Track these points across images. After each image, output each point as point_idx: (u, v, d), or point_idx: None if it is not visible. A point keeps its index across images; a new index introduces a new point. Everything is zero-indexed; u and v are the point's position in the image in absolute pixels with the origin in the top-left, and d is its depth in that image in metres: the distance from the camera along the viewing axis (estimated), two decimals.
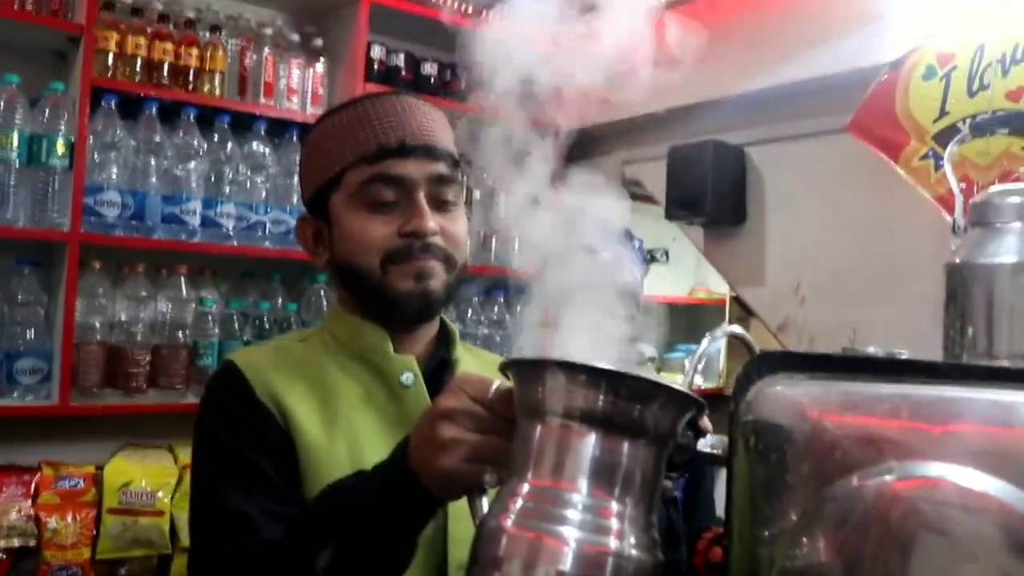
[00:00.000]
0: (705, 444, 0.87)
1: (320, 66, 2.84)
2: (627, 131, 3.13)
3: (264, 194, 2.73)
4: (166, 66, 2.60)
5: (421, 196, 1.20)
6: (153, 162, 2.55)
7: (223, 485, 1.12)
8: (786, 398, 0.72)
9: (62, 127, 2.40)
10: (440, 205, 1.23)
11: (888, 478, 0.63)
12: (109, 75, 2.51)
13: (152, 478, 2.46)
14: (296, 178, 2.65)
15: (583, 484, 0.77)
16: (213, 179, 2.66)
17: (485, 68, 1.10)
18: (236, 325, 2.71)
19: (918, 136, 2.28)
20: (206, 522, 1.13)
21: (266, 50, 2.77)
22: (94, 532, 2.39)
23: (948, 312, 0.85)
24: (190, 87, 2.64)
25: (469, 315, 3.03)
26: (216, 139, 2.69)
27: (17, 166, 2.34)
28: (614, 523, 0.77)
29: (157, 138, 2.57)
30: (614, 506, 0.77)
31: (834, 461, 0.67)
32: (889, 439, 0.65)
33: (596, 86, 1.08)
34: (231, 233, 2.66)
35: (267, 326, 2.75)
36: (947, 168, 0.98)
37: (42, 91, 2.44)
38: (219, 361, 2.41)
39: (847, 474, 0.65)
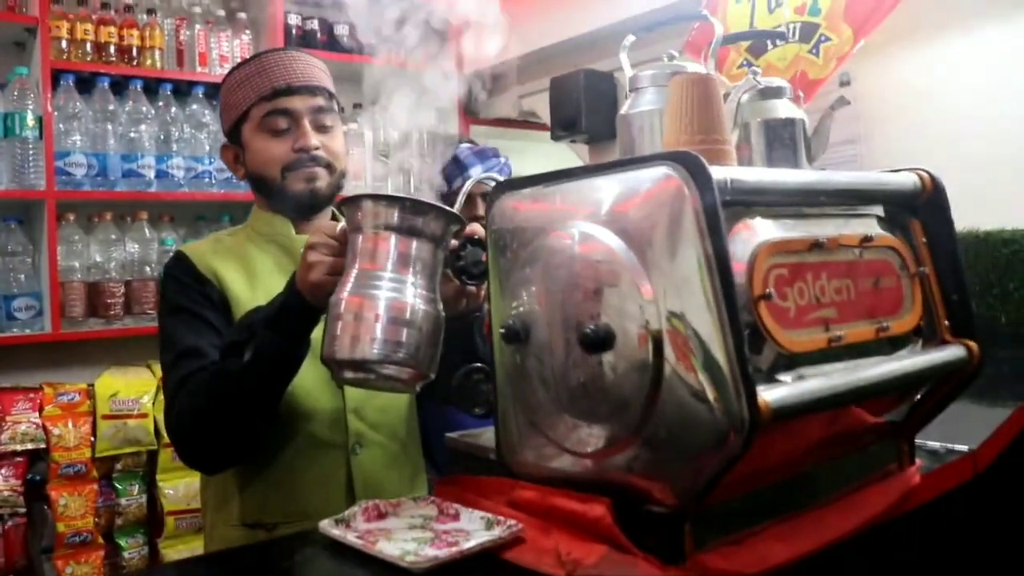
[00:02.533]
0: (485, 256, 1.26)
1: (246, 36, 3.19)
2: (521, 69, 3.49)
3: (207, 147, 3.08)
4: (112, 46, 2.95)
5: (306, 122, 1.54)
6: (110, 127, 2.90)
7: (180, 331, 1.46)
8: (508, 204, 1.11)
9: (30, 104, 2.75)
10: (321, 128, 1.56)
11: (553, 235, 1.03)
12: (65, 58, 2.85)
13: (135, 389, 2.84)
14: None
15: (388, 266, 1.16)
16: (163, 138, 3.01)
17: (391, 24, 1.51)
18: None
19: (736, 49, 2.70)
20: (170, 358, 1.46)
21: (198, 26, 3.11)
22: (92, 435, 2.76)
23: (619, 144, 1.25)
24: (135, 63, 2.99)
25: None
26: (162, 104, 3.04)
27: None
28: (408, 289, 1.15)
29: (111, 107, 2.92)
30: (408, 279, 1.16)
31: (528, 235, 1.06)
32: (555, 214, 1.05)
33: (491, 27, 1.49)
34: (183, 182, 3.02)
35: None
36: None
37: (9, 76, 2.79)
38: None
39: (535, 238, 1.05)
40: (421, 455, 1.70)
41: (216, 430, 1.39)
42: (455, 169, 2.41)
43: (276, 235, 1.60)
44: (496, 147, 2.52)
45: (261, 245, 1.60)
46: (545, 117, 3.48)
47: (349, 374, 1.16)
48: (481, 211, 2.32)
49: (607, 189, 0.98)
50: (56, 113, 2.83)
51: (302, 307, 1.29)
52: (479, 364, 1.25)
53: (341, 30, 3.38)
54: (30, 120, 2.75)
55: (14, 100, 2.75)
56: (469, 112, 3.70)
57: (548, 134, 3.44)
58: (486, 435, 1.29)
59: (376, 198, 1.18)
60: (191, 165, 3.06)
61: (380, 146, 3.41)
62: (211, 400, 1.37)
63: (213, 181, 3.09)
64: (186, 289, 1.51)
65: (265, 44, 3.24)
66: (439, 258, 1.21)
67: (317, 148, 1.54)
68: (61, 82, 2.86)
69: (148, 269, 3.01)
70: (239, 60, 3.12)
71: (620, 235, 0.94)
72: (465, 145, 2.46)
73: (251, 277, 1.55)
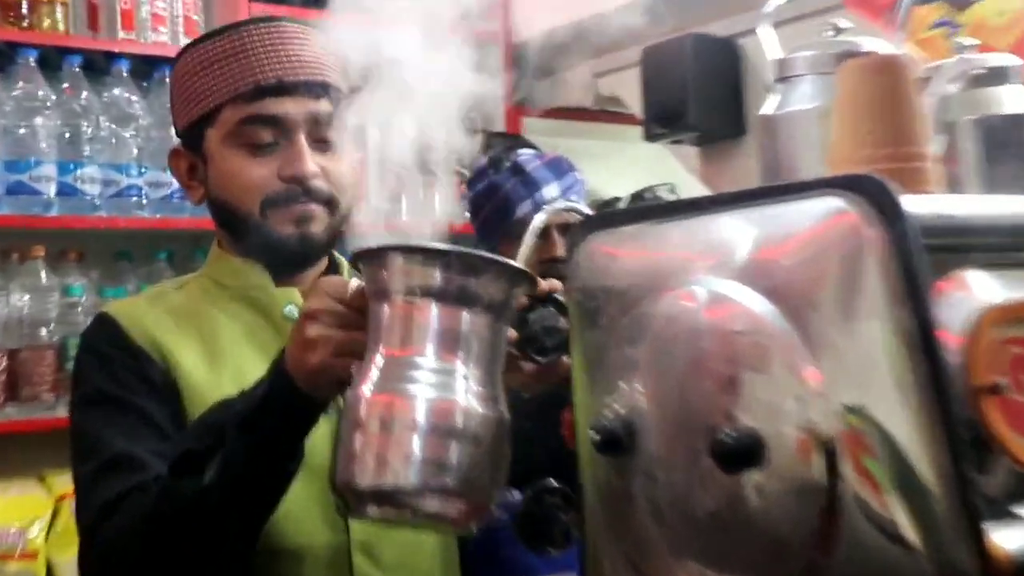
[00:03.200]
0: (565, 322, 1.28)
1: None
2: (595, 35, 3.52)
3: (135, 151, 3.17)
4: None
5: (301, 137, 1.56)
6: None
7: (106, 431, 1.47)
8: (598, 251, 1.14)
9: None
10: (321, 144, 1.58)
11: (668, 296, 1.06)
12: None
13: (18, 513, 2.86)
14: (174, 129, 3.12)
15: (428, 350, 1.15)
16: (68, 136, 3.09)
17: None
18: None
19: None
20: (90, 469, 1.46)
21: None
22: None
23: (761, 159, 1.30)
24: (24, 23, 3.07)
25: None
26: (66, 86, 3.13)
27: None
28: (458, 381, 1.14)
29: None
30: (458, 367, 1.15)
31: (631, 296, 1.09)
32: (669, 264, 1.08)
33: None
34: (97, 202, 3.10)
35: None
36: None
37: None
38: None
39: (641, 300, 1.09)
40: None
41: None
42: (519, 187, 2.42)
43: (248, 289, 1.64)
44: (564, 156, 2.55)
45: (225, 304, 1.64)
46: (633, 105, 3.48)
47: (373, 509, 1.17)
48: (560, 251, 2.33)
49: (747, 228, 1.01)
50: None
51: (294, 401, 1.30)
52: (554, 482, 1.27)
53: None
54: None
55: None
56: (520, 100, 3.75)
57: (638, 130, 3.49)
58: None
59: (410, 251, 1.18)
60: (111, 177, 3.15)
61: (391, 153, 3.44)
62: (154, 535, 1.37)
63: (143, 201, 3.16)
64: (114, 368, 1.53)
65: (218, 1, 3.32)
66: (502, 335, 1.23)
67: (316, 175, 1.57)
68: None
69: (43, 332, 3.08)
70: (181, 21, 3.23)
71: (768, 295, 0.96)
72: (528, 152, 2.49)
73: (211, 350, 1.58)
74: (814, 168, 1.16)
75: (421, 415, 1.14)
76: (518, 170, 2.45)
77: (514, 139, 2.68)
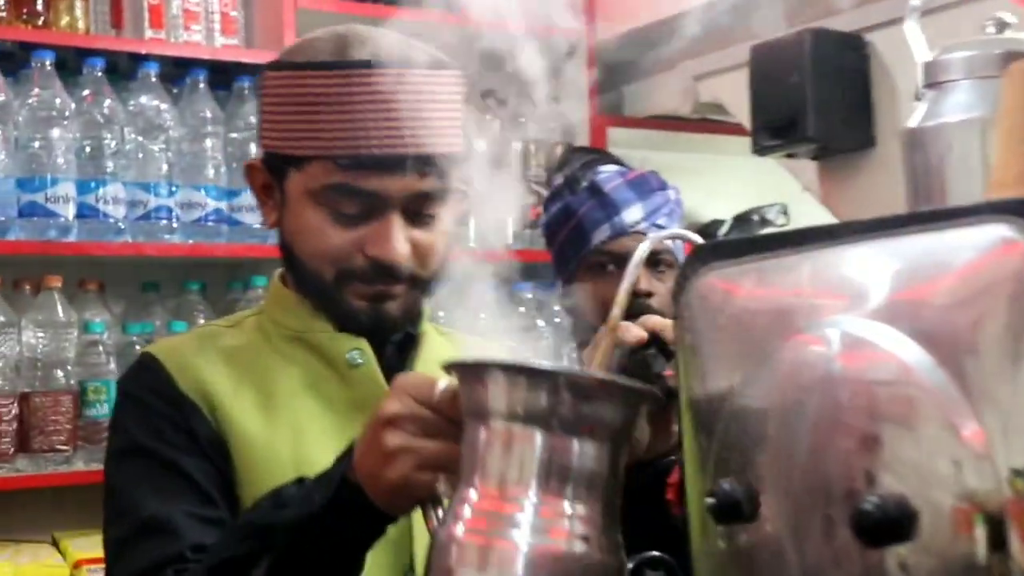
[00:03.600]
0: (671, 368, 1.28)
1: None
2: (694, 30, 3.51)
3: (164, 167, 3.20)
4: None
5: (395, 218, 1.56)
6: (0, 131, 3.01)
7: (139, 491, 1.50)
8: (711, 288, 1.14)
9: None
10: (418, 218, 1.59)
11: (796, 340, 1.06)
12: None
13: None
14: (210, 141, 3.17)
15: (533, 487, 1.12)
16: (89, 151, 3.12)
17: None
18: None
19: None
20: (122, 534, 1.50)
21: None
22: None
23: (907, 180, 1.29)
24: (39, 21, 3.10)
25: None
26: (87, 93, 3.15)
27: None
28: (566, 524, 1.12)
29: (1, 96, 3.04)
30: (566, 508, 1.12)
31: (749, 341, 1.09)
32: (798, 304, 1.07)
33: None
34: (122, 226, 3.13)
35: None
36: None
37: None
38: None
39: (766, 345, 1.08)
40: None
41: None
42: (596, 210, 2.42)
43: (309, 332, 1.65)
44: (655, 172, 2.54)
45: (282, 347, 1.66)
46: (738, 113, 3.47)
47: None
48: (644, 283, 2.32)
49: (892, 262, 1.00)
50: None
51: (362, 516, 1.29)
52: (656, 554, 1.27)
53: None
54: None
55: None
56: (605, 107, 3.74)
57: (744, 142, 3.47)
58: None
59: (513, 370, 1.15)
60: (137, 197, 3.17)
61: None
62: None
63: (175, 224, 3.19)
64: (154, 419, 1.55)
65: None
66: (620, 464, 1.20)
67: (405, 258, 1.58)
68: None
69: (60, 374, 3.11)
70: (218, 18, 3.24)
71: (918, 340, 0.95)
72: (610, 169, 2.48)
73: (267, 400, 1.60)
74: (973, 190, 1.14)
75: (521, 567, 1.11)
76: (596, 190, 2.44)
77: (596, 154, 2.67)
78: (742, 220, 3.81)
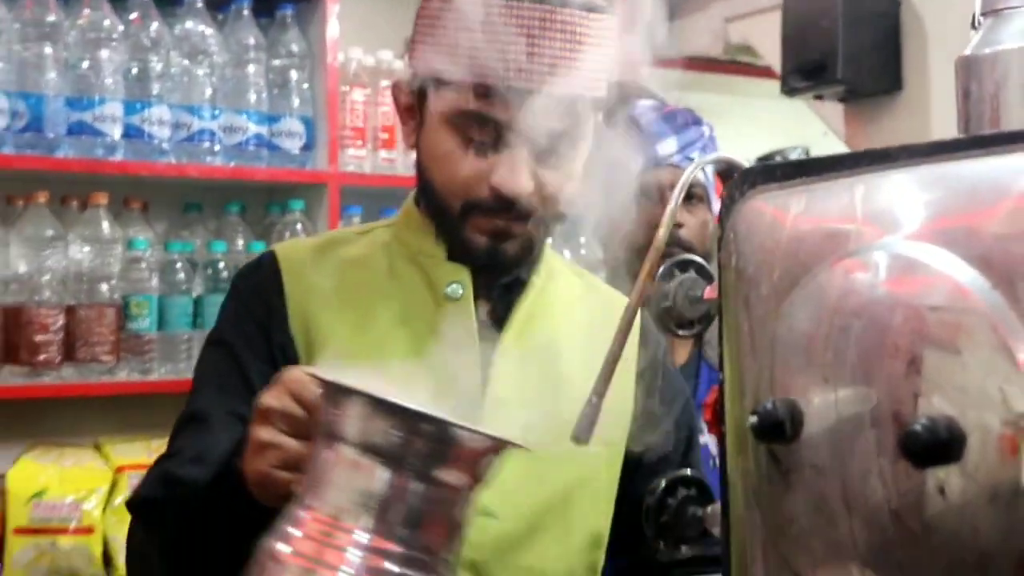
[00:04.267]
0: (710, 291, 1.25)
1: None
2: None
3: (209, 91, 3.16)
4: None
5: (523, 152, 1.50)
6: (50, 51, 2.98)
7: (204, 382, 1.55)
8: (760, 210, 1.10)
9: None
10: (547, 156, 1.53)
11: (847, 263, 1.01)
12: None
13: (73, 485, 2.88)
14: (252, 67, 3.13)
15: (365, 522, 1.05)
16: (135, 72, 3.08)
17: None
18: (181, 275, 3.14)
19: None
20: (179, 419, 1.55)
21: None
22: None
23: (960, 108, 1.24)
24: None
25: None
26: (134, 16, 3.11)
27: None
28: (394, 568, 1.04)
29: (52, 17, 2.99)
30: (396, 548, 1.05)
31: (798, 263, 1.04)
32: (848, 227, 1.03)
33: None
34: (165, 147, 3.10)
35: (224, 274, 3.18)
36: None
37: None
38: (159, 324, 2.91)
39: (814, 268, 1.04)
40: None
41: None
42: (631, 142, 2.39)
43: (421, 255, 1.64)
44: (690, 109, 2.50)
45: (396, 266, 1.65)
46: (768, 56, 3.44)
47: None
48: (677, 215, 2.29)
49: (945, 186, 0.96)
50: None
51: (237, 496, 1.29)
52: (688, 473, 1.24)
53: None
54: None
55: None
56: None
57: (772, 85, 3.44)
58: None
59: (372, 401, 1.06)
60: (181, 119, 3.14)
61: None
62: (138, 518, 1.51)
63: (216, 148, 3.15)
64: (244, 322, 1.60)
65: None
66: (463, 510, 1.13)
67: (527, 195, 1.52)
68: None
69: (104, 288, 3.09)
70: None
71: (973, 263, 0.91)
72: (647, 103, 2.44)
73: (363, 320, 1.60)
74: None
75: None
76: (633, 123, 2.40)
77: (635, 89, 2.63)
78: (764, 161, 3.78)
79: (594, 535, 1.61)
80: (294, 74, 3.25)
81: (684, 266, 1.26)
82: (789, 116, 3.49)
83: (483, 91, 1.48)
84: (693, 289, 1.25)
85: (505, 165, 1.50)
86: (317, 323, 1.56)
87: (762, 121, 3.46)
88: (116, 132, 3.06)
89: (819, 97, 3.16)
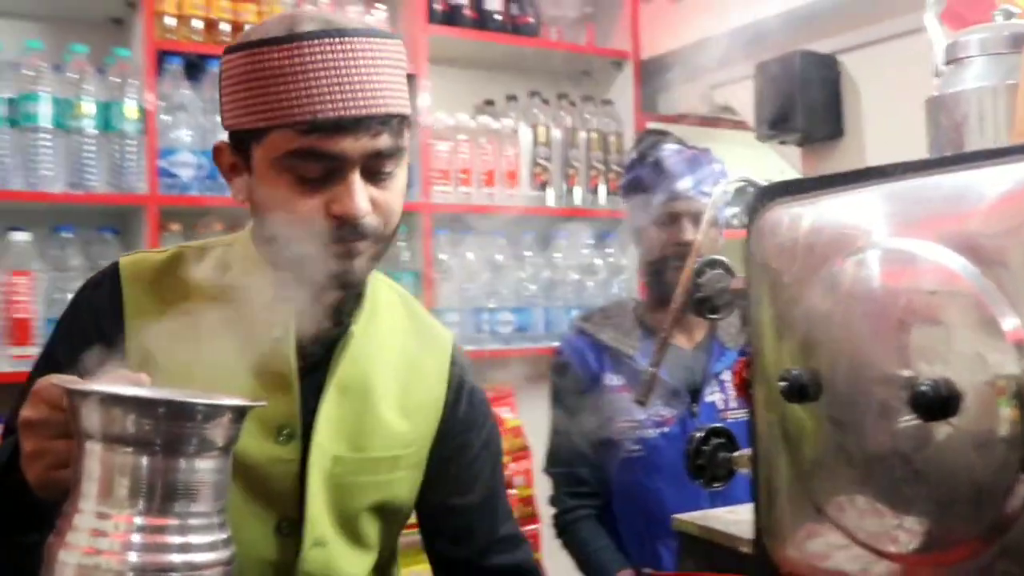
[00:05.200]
0: (734, 283, 1.17)
1: (380, 9, 3.20)
2: (712, 53, 3.40)
3: None
4: (225, 24, 2.98)
5: (355, 176, 1.21)
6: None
7: (26, 388, 1.16)
8: (780, 217, 1.01)
9: (132, 93, 2.78)
10: (376, 177, 1.24)
11: (851, 259, 0.92)
12: (170, 38, 2.90)
13: None
14: None
15: (131, 507, 0.88)
16: None
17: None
18: None
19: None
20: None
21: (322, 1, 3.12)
22: None
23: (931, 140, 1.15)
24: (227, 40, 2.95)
25: (557, 260, 3.33)
26: None
27: (92, 133, 2.74)
28: (162, 538, 0.88)
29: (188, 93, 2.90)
30: (170, 523, 0.89)
31: (816, 257, 0.96)
32: (854, 229, 0.94)
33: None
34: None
35: None
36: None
37: (107, 59, 2.84)
38: None
39: (829, 260, 0.95)
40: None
41: None
42: (655, 177, 2.31)
43: (251, 289, 1.29)
44: (708, 149, 2.41)
45: (226, 295, 1.29)
46: (743, 112, 3.37)
47: None
48: (688, 235, 2.22)
49: (938, 193, 0.88)
50: (161, 103, 2.86)
51: (20, 496, 1.06)
52: (719, 427, 1.17)
53: (493, 4, 3.35)
54: (131, 111, 2.78)
55: (113, 88, 2.79)
56: (646, 107, 3.62)
57: (744, 135, 3.37)
58: (725, 517, 1.20)
59: (107, 399, 0.90)
60: None
61: (539, 148, 3.35)
62: None
63: None
64: (78, 335, 1.28)
65: (402, 21, 3.24)
66: (225, 469, 0.95)
67: (367, 215, 1.23)
68: (166, 66, 2.88)
69: None
70: None
71: (962, 253, 0.83)
72: (671, 147, 2.35)
73: (193, 347, 1.26)
74: (989, 143, 1.02)
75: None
76: (657, 164, 2.33)
77: (662, 135, 2.56)
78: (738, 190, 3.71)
79: (391, 551, 1.46)
80: None
81: (713, 265, 1.18)
82: (759, 159, 3.45)
83: (304, 127, 1.18)
84: (721, 282, 1.18)
85: (340, 193, 1.21)
86: (148, 347, 1.23)
87: (740, 161, 3.36)
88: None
89: (783, 142, 3.12)
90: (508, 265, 3.26)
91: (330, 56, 1.18)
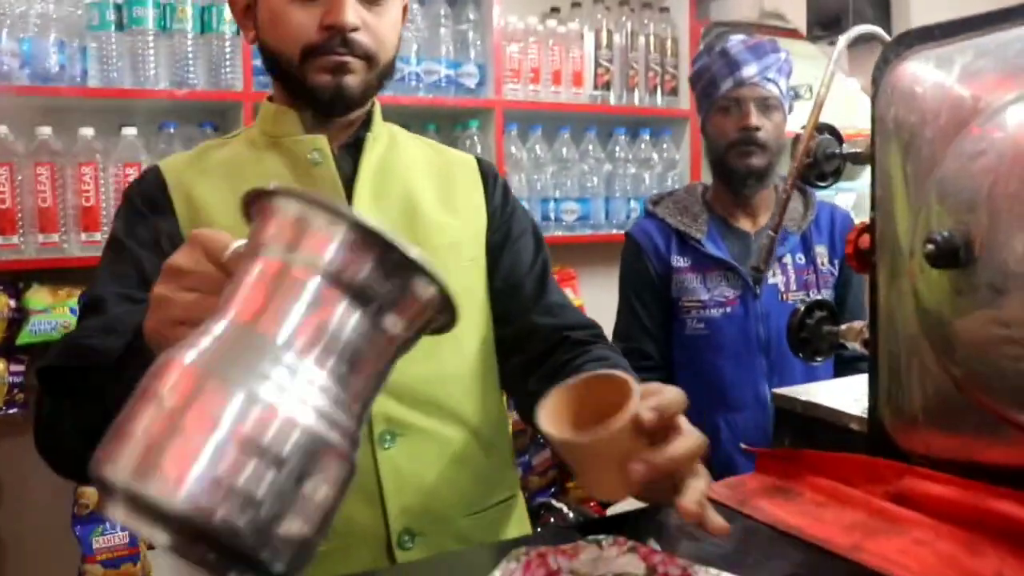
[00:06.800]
0: (849, 148, 0.96)
1: None
2: None
3: (415, 46, 2.88)
4: None
5: None
6: None
7: (101, 273, 1.15)
8: (920, 66, 0.80)
9: None
10: (368, 2, 1.16)
11: (1018, 107, 0.70)
12: None
13: None
14: (443, 30, 2.84)
15: (284, 333, 0.61)
16: None
17: None
18: None
19: None
20: (79, 305, 1.16)
21: None
22: None
23: None
24: None
25: (617, 154, 3.13)
26: None
27: (192, 35, 2.58)
28: (304, 388, 0.60)
29: None
30: (310, 369, 0.61)
31: (967, 108, 0.74)
32: (1011, 75, 0.72)
33: None
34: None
35: None
36: None
37: None
38: None
39: (979, 116, 0.73)
40: (509, 444, 1.34)
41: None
42: (723, 67, 2.08)
43: (281, 136, 1.23)
44: (774, 39, 2.16)
45: (261, 154, 1.24)
46: (793, 19, 3.08)
47: (121, 513, 0.57)
48: (752, 120, 2.01)
49: None
50: None
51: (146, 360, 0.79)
52: (821, 300, 0.97)
53: None
54: (228, 13, 2.59)
55: None
56: (700, 14, 3.33)
57: (795, 43, 3.09)
58: (824, 394, 1.01)
59: (310, 202, 0.64)
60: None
61: (601, 51, 3.11)
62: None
63: (419, 85, 2.91)
64: (132, 219, 1.19)
65: None
66: (393, 357, 0.67)
67: (355, 28, 1.14)
68: None
69: None
70: None
71: None
72: (737, 38, 2.11)
73: (238, 194, 1.15)
74: None
75: (233, 411, 0.57)
76: (724, 53, 2.09)
77: (729, 27, 2.31)
78: None
79: (483, 338, 1.27)
80: (471, 34, 2.97)
81: (820, 130, 0.97)
82: (817, 63, 3.17)
83: None
84: (830, 147, 0.96)
85: (331, 4, 1.12)
86: (199, 208, 1.17)
87: (795, 70, 3.10)
88: None
89: (832, 43, 2.81)
90: (572, 159, 3.08)
91: None
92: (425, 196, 1.26)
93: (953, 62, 0.75)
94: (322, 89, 1.16)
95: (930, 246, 0.71)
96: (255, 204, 0.69)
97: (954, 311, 0.72)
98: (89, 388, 0.93)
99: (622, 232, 2.36)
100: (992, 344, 0.69)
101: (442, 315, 0.67)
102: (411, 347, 0.67)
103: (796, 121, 2.82)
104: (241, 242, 0.71)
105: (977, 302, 0.70)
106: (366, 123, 1.27)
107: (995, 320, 0.69)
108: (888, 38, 0.85)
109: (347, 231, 0.62)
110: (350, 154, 1.24)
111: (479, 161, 1.36)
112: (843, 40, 0.97)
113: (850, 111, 3.98)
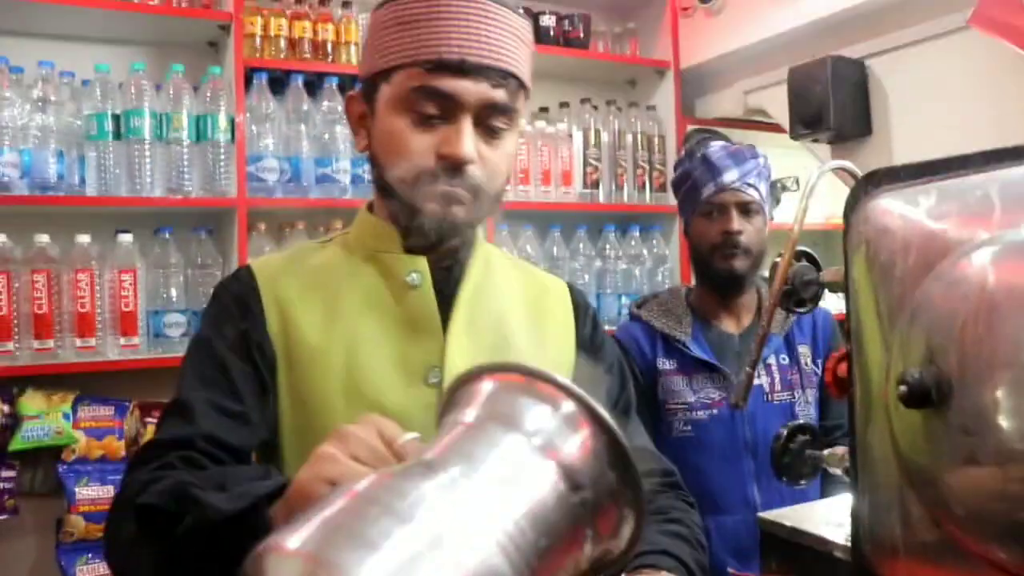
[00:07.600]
0: (825, 275, 0.96)
1: None
2: (746, 60, 3.18)
3: None
4: (306, 42, 2.83)
5: (467, 121, 1.12)
6: (303, 129, 2.76)
7: (188, 375, 1.13)
8: (889, 204, 0.80)
9: (223, 106, 2.64)
10: (487, 131, 1.15)
11: (984, 250, 0.71)
12: (257, 55, 2.75)
13: None
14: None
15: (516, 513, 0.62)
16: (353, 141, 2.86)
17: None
18: None
19: None
20: (166, 407, 1.13)
21: None
22: None
23: None
24: (329, 59, 2.86)
25: (607, 251, 3.15)
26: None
27: (188, 143, 2.61)
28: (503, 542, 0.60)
29: (305, 107, 2.78)
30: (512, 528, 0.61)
31: (934, 249, 0.74)
32: (977, 217, 0.72)
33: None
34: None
35: None
36: None
37: (202, 77, 2.70)
38: None
39: (947, 256, 0.73)
40: None
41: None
42: (704, 173, 2.09)
43: (378, 251, 1.20)
44: (753, 145, 2.18)
45: (356, 265, 1.21)
46: (775, 115, 3.14)
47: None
48: (735, 225, 2.01)
49: None
50: (248, 115, 2.72)
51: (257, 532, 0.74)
52: (803, 424, 0.96)
53: (547, 21, 3.14)
54: (222, 122, 2.64)
55: (207, 102, 2.65)
56: (686, 111, 3.39)
57: (776, 136, 3.13)
58: (811, 518, 0.99)
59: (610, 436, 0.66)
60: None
61: (590, 149, 3.15)
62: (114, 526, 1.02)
63: None
64: (223, 323, 1.17)
65: None
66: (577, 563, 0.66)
67: (472, 162, 1.12)
68: (254, 81, 2.75)
69: None
70: None
71: None
72: (717, 144, 2.14)
73: (331, 313, 1.17)
74: None
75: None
76: (705, 159, 2.11)
77: (709, 133, 2.33)
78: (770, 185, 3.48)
79: None
80: None
81: (798, 257, 0.97)
82: (788, 158, 3.26)
83: (430, 66, 1.10)
84: (806, 275, 0.96)
85: (450, 134, 1.11)
86: (291, 320, 1.16)
87: (772, 161, 3.15)
88: (347, 180, 2.81)
89: (815, 140, 2.90)
90: (563, 256, 3.09)
91: (464, 10, 1.12)
92: (517, 325, 1.23)
93: (919, 203, 0.75)
94: (429, 215, 1.13)
95: (902, 387, 0.70)
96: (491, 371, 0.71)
97: (929, 451, 0.71)
98: (187, 538, 0.88)
99: (613, 328, 2.36)
100: (968, 485, 0.68)
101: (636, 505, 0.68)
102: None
103: (785, 213, 2.84)
104: (413, 435, 0.75)
105: (951, 442, 0.69)
106: (464, 243, 1.23)
107: (970, 460, 0.68)
108: (859, 173, 0.85)
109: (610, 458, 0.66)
110: (445, 276, 1.21)
111: (572, 290, 1.35)
112: (815, 175, 0.98)
113: (836, 200, 4.02)
